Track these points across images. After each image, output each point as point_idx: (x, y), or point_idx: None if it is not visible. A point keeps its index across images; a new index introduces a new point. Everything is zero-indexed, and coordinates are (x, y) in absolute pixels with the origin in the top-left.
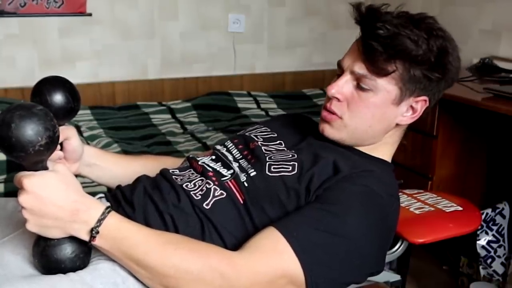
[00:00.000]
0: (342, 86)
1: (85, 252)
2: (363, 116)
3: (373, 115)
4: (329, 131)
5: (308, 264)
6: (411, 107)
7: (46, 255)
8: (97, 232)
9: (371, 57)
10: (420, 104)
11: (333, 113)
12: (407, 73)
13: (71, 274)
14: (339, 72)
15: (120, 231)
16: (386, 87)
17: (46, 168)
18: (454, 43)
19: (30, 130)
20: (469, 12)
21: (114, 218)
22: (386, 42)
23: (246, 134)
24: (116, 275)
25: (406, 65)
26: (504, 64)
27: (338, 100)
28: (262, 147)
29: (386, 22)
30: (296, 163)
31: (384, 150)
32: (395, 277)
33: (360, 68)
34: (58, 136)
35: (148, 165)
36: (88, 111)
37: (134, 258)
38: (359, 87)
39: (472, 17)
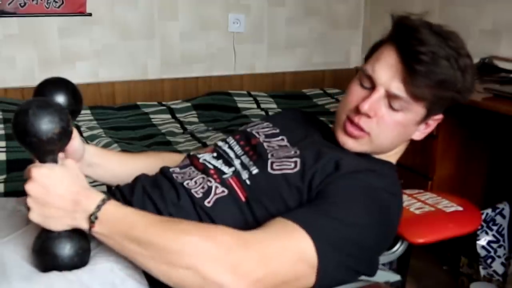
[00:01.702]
0: (375, 102)
1: (84, 249)
2: (389, 134)
3: (398, 134)
4: (351, 145)
5: (320, 243)
6: (426, 123)
7: (45, 248)
8: (96, 218)
9: (413, 81)
10: (436, 121)
11: (361, 129)
12: (440, 99)
13: (68, 274)
14: (365, 80)
15: (119, 213)
16: (416, 109)
17: (56, 162)
18: (471, 60)
19: (46, 117)
20: (469, 12)
21: (113, 204)
22: (430, 69)
23: (248, 130)
24: (114, 276)
25: (442, 92)
26: (504, 64)
27: (369, 116)
28: (264, 144)
29: (428, 44)
30: (298, 160)
31: (391, 156)
32: (395, 277)
33: (398, 89)
34: (71, 132)
35: (149, 163)
36: (88, 111)
37: (134, 238)
38: (390, 105)
39: (472, 17)
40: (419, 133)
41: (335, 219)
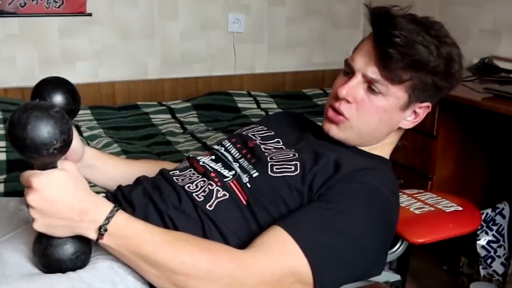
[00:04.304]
0: (354, 88)
1: (86, 253)
2: (370, 120)
3: (380, 119)
4: (335, 131)
5: (316, 263)
6: (414, 112)
7: (47, 254)
8: (105, 230)
9: (387, 64)
10: (423, 109)
11: (341, 114)
12: (419, 82)
13: (69, 273)
14: (347, 69)
15: (128, 229)
16: (396, 93)
17: (55, 167)
18: (458, 50)
19: (46, 133)
20: (469, 12)
21: (122, 217)
22: (403, 51)
23: (243, 133)
24: (114, 274)
25: (419, 74)
26: (504, 64)
27: (348, 101)
28: (261, 146)
29: (401, 28)
30: (298, 163)
31: (383, 149)
32: (395, 277)
33: (373, 73)
34: (72, 140)
35: (146, 169)
36: (88, 111)
37: (142, 256)
38: (369, 90)
39: (472, 17)
40: (408, 122)
41: (336, 233)
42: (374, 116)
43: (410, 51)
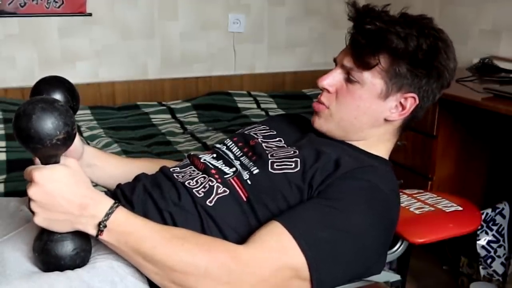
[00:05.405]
0: (333, 78)
1: (86, 250)
2: (348, 107)
3: (358, 107)
4: (318, 122)
5: (313, 259)
6: (400, 103)
7: (47, 249)
8: (105, 226)
9: (356, 50)
10: (410, 101)
11: (322, 104)
12: (391, 68)
13: (69, 272)
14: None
15: (128, 225)
16: (372, 80)
17: (58, 163)
18: (448, 44)
19: (50, 124)
20: (469, 12)
21: (122, 213)
22: (371, 37)
23: (245, 132)
24: (114, 273)
25: (390, 60)
26: (504, 64)
27: (328, 91)
28: (263, 144)
29: (377, 18)
30: (298, 160)
31: (380, 148)
32: (395, 277)
33: (348, 62)
34: (75, 134)
35: (147, 167)
36: (88, 111)
37: (141, 252)
38: (348, 79)
39: (472, 17)
40: (394, 115)
41: (336, 230)
42: (351, 103)
43: (379, 36)
